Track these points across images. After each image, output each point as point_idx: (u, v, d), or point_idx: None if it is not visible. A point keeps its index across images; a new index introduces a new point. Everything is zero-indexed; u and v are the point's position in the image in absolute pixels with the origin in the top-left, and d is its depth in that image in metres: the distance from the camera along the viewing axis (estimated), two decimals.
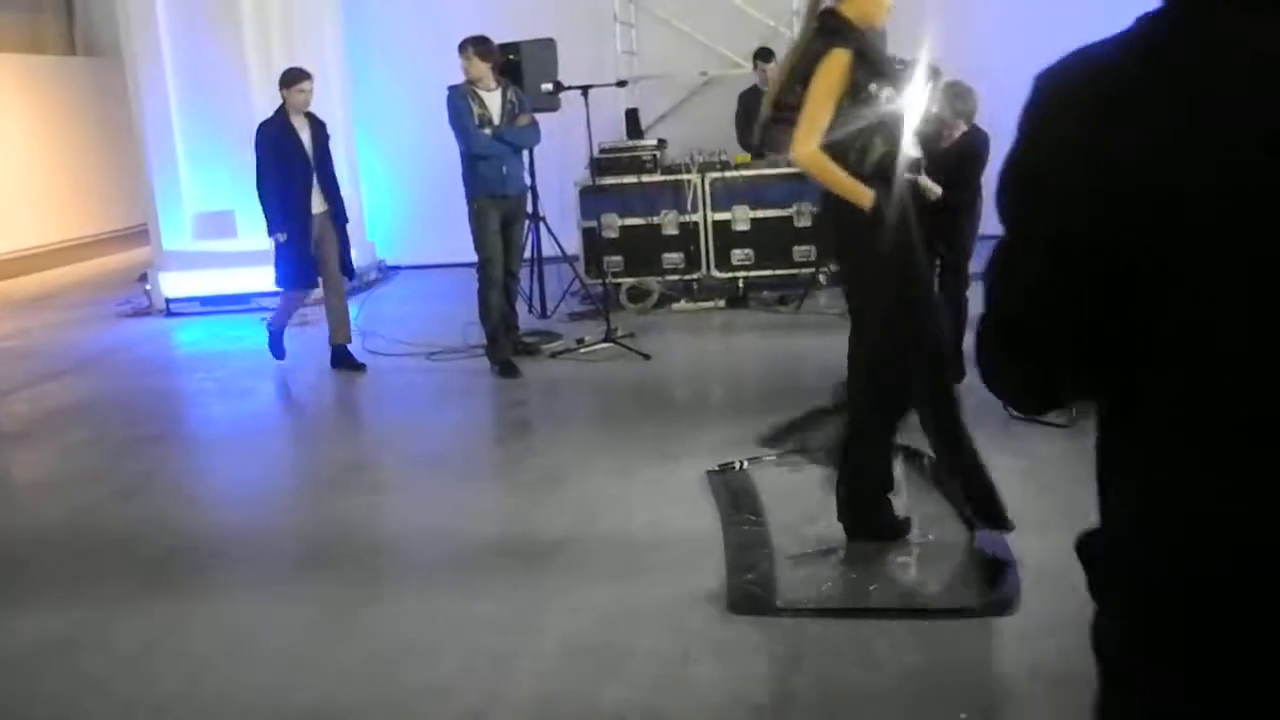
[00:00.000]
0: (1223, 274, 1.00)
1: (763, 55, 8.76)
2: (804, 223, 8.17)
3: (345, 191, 9.93)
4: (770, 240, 8.23)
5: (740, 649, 3.10)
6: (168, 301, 9.13)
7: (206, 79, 8.89)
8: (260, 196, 6.71)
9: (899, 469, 4.26)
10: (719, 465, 4.62)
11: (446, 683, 3.05)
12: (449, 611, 3.51)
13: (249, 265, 9.01)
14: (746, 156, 8.66)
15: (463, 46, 6.45)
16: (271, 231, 6.67)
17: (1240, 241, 0.98)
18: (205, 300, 9.06)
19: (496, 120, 6.46)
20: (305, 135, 6.66)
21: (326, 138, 6.84)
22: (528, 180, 7.11)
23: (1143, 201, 1.00)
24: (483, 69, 6.45)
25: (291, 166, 6.60)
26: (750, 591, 3.45)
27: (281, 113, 6.68)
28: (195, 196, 9.16)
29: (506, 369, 6.48)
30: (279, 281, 6.91)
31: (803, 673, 2.95)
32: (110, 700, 3.11)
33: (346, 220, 7.00)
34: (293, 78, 6.69)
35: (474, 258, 6.68)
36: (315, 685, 3.10)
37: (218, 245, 9.08)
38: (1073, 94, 1.05)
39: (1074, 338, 1.09)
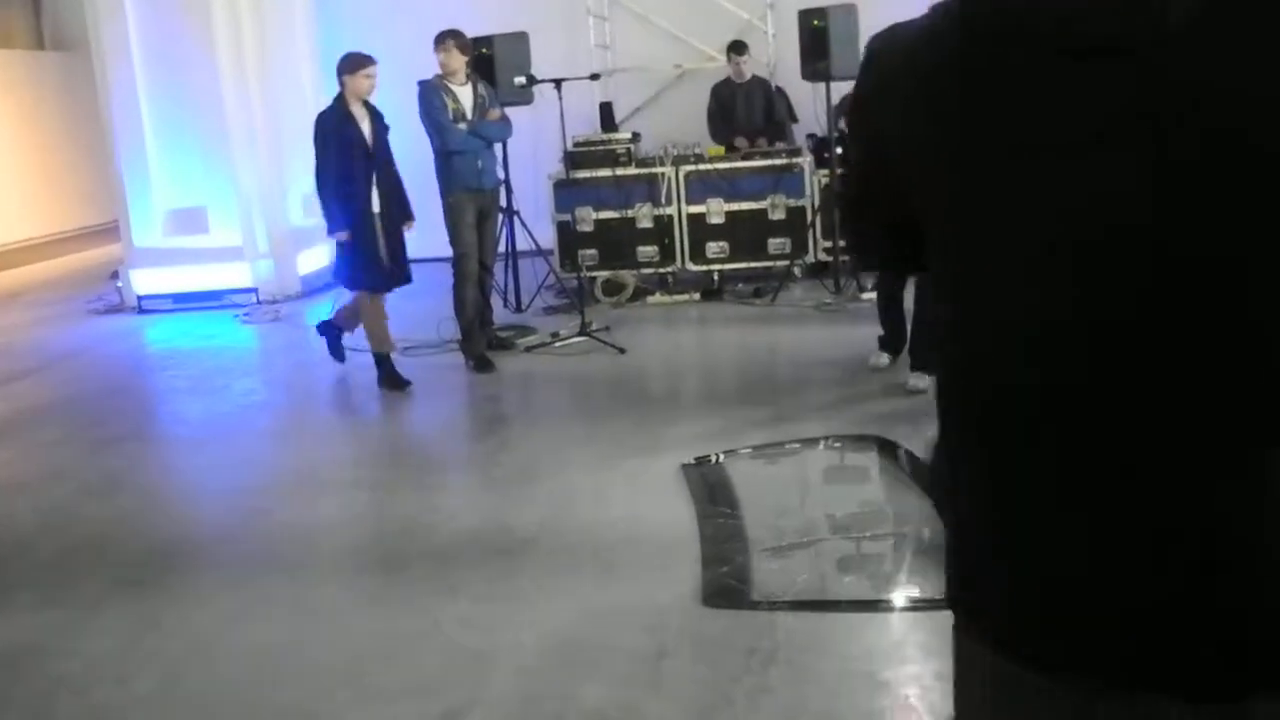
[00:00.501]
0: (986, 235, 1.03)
1: (736, 48, 8.77)
2: (778, 215, 8.19)
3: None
4: (745, 233, 8.25)
5: (716, 643, 3.11)
6: (139, 298, 9.05)
7: (176, 73, 8.81)
8: (319, 193, 6.17)
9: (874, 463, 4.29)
10: (695, 458, 4.64)
11: (426, 682, 3.05)
12: (426, 609, 3.51)
13: (220, 261, 8.97)
14: (720, 149, 8.67)
15: (442, 38, 6.42)
16: (331, 231, 6.10)
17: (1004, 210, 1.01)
18: (177, 297, 8.98)
19: (469, 115, 6.44)
20: (365, 126, 6.13)
21: (386, 129, 6.26)
22: (501, 174, 7.09)
23: (932, 157, 1.05)
24: (460, 62, 6.44)
25: (354, 160, 6.03)
26: (726, 585, 3.46)
27: (340, 101, 6.12)
28: (166, 192, 9.08)
29: (481, 364, 6.47)
30: (346, 284, 6.37)
31: (778, 666, 2.96)
32: (84, 702, 3.09)
33: (410, 219, 6.33)
34: (358, 62, 6.09)
35: (446, 252, 6.67)
36: (291, 686, 3.09)
37: (189, 241, 9.01)
38: (902, 53, 1.10)
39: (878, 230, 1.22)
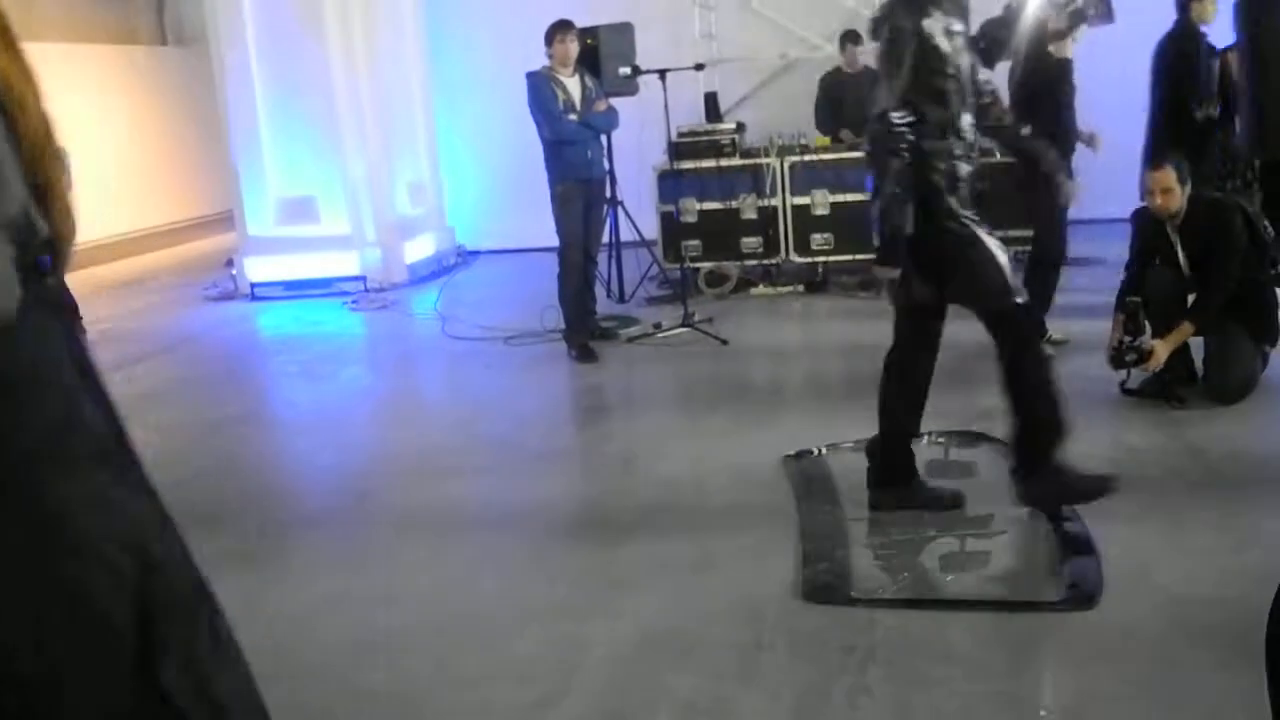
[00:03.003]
0: None
1: (851, 38, 8.65)
2: None
3: (423, 176, 10.10)
4: (850, 225, 8.09)
5: (814, 639, 3.06)
6: (252, 286, 9.31)
7: (289, 66, 9.02)
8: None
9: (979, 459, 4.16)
10: (796, 451, 4.57)
11: (521, 666, 3.06)
12: (525, 594, 3.52)
13: (330, 250, 9.17)
14: (826, 140, 8.55)
15: (563, 29, 6.44)
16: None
17: None
18: (288, 284, 9.21)
19: (578, 105, 6.46)
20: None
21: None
22: (606, 165, 7.10)
23: None
24: (574, 52, 6.46)
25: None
26: (825, 581, 3.40)
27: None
28: (278, 182, 9.31)
29: (584, 353, 6.49)
30: None
31: (877, 665, 2.89)
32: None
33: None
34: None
35: (550, 242, 6.70)
36: (385, 667, 3.13)
37: (300, 230, 9.22)
38: None
39: None
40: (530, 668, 3.05)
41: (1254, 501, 3.75)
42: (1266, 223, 4.96)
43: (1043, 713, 2.62)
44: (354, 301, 8.77)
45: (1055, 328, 5.74)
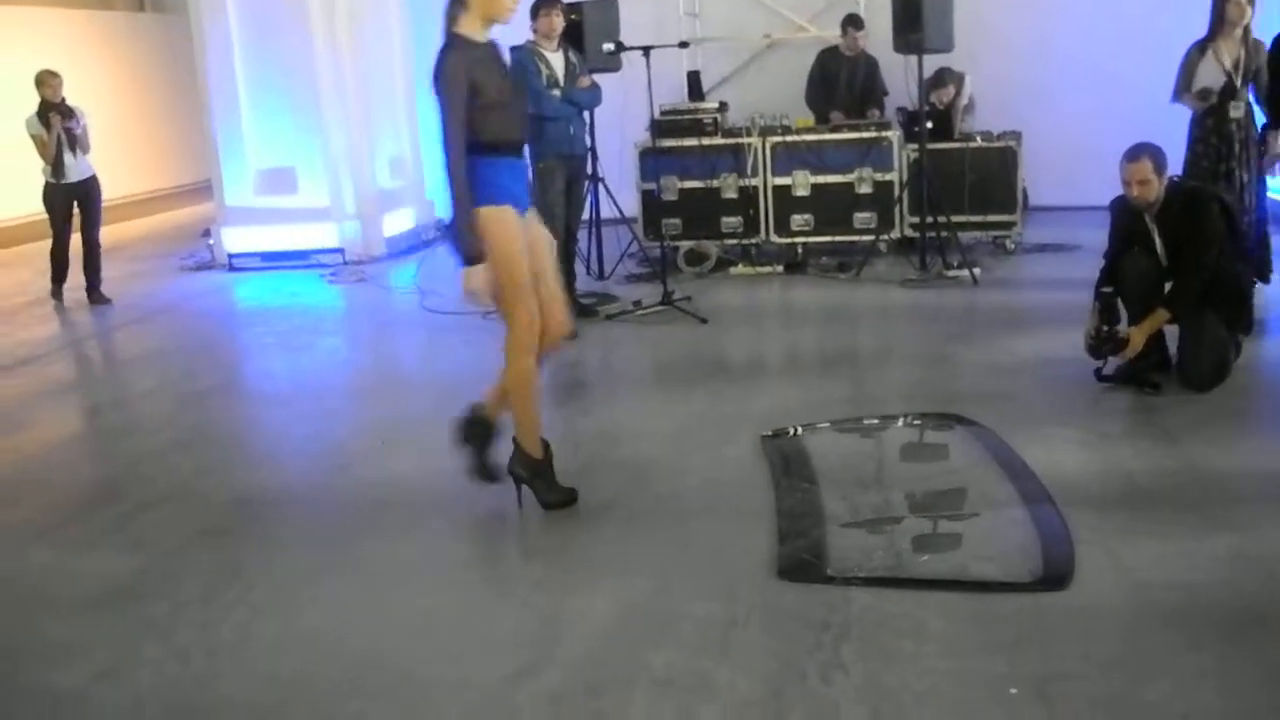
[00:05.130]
0: None
1: (854, 23, 8.74)
2: (865, 189, 8.08)
3: (403, 150, 10.04)
4: (830, 206, 8.15)
5: (790, 616, 3.09)
6: (230, 256, 9.25)
7: (270, 35, 8.95)
8: None
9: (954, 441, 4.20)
10: (773, 430, 4.60)
11: (498, 642, 3.08)
12: (500, 571, 3.55)
13: (308, 221, 9.12)
14: (809, 121, 8.57)
15: (550, 2, 6.40)
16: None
17: None
18: (266, 256, 9.17)
19: (562, 81, 6.43)
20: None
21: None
22: (589, 141, 7.08)
23: None
24: (559, 27, 6.43)
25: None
26: (801, 559, 3.43)
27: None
28: (257, 153, 9.25)
29: None
30: None
31: (851, 642, 2.93)
32: (169, 645, 3.18)
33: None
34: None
35: None
36: (366, 638, 3.14)
37: (279, 201, 9.17)
38: None
39: None
40: (509, 641, 3.07)
41: (1222, 487, 3.80)
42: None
43: (1013, 690, 2.66)
44: (332, 274, 8.74)
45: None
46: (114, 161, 12.55)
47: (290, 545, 3.87)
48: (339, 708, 2.81)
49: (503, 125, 3.70)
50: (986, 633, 2.93)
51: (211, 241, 9.48)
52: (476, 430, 3.96)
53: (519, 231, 3.73)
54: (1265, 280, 6.50)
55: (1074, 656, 2.80)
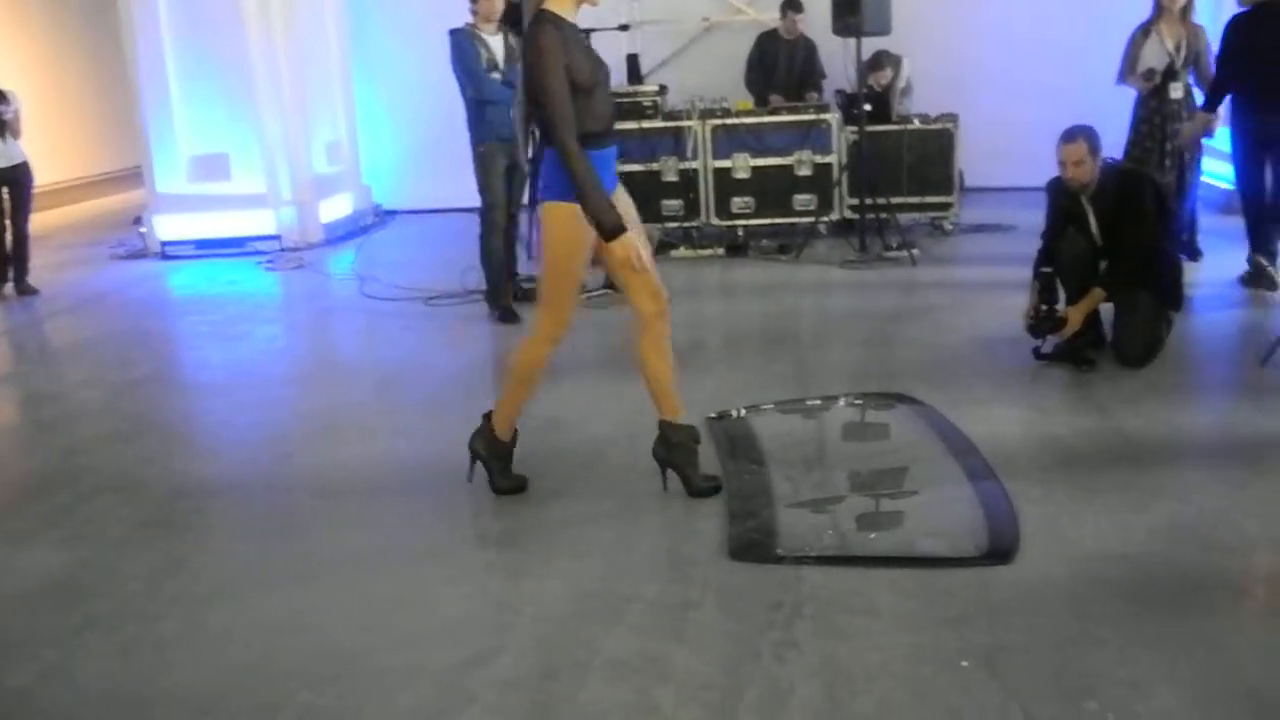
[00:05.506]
0: None
1: (794, 6, 8.77)
2: (805, 171, 8.13)
3: (340, 135, 9.90)
4: (771, 189, 8.19)
5: (742, 596, 3.11)
6: (163, 244, 9.06)
7: (201, 17, 8.75)
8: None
9: (895, 420, 4.26)
10: (717, 412, 4.62)
11: (452, 627, 3.06)
12: (451, 557, 3.52)
13: (243, 208, 8.96)
14: (748, 104, 8.60)
15: None
16: None
17: None
18: (200, 243, 8.99)
19: (501, 64, 6.38)
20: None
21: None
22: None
23: None
24: (500, 9, 6.37)
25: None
26: (751, 539, 3.46)
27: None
28: (190, 139, 9.05)
29: (506, 314, 6.47)
30: None
31: (804, 620, 2.96)
32: (113, 640, 3.12)
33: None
34: None
35: (469, 202, 6.63)
36: (315, 629, 3.11)
37: (212, 188, 9.00)
38: None
39: None
40: (461, 628, 3.06)
41: (1158, 459, 3.90)
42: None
43: (964, 663, 2.71)
44: (269, 261, 8.60)
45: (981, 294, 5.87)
46: (38, 149, 12.24)
47: (235, 536, 3.82)
48: (289, 698, 2.78)
49: (592, 113, 3.53)
50: (935, 607, 2.98)
51: (143, 229, 9.28)
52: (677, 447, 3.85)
53: (588, 238, 3.60)
54: (1194, 259, 6.67)
55: (1021, 628, 2.86)
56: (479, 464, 3.94)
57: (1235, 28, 6.04)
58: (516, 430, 3.94)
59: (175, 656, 3.02)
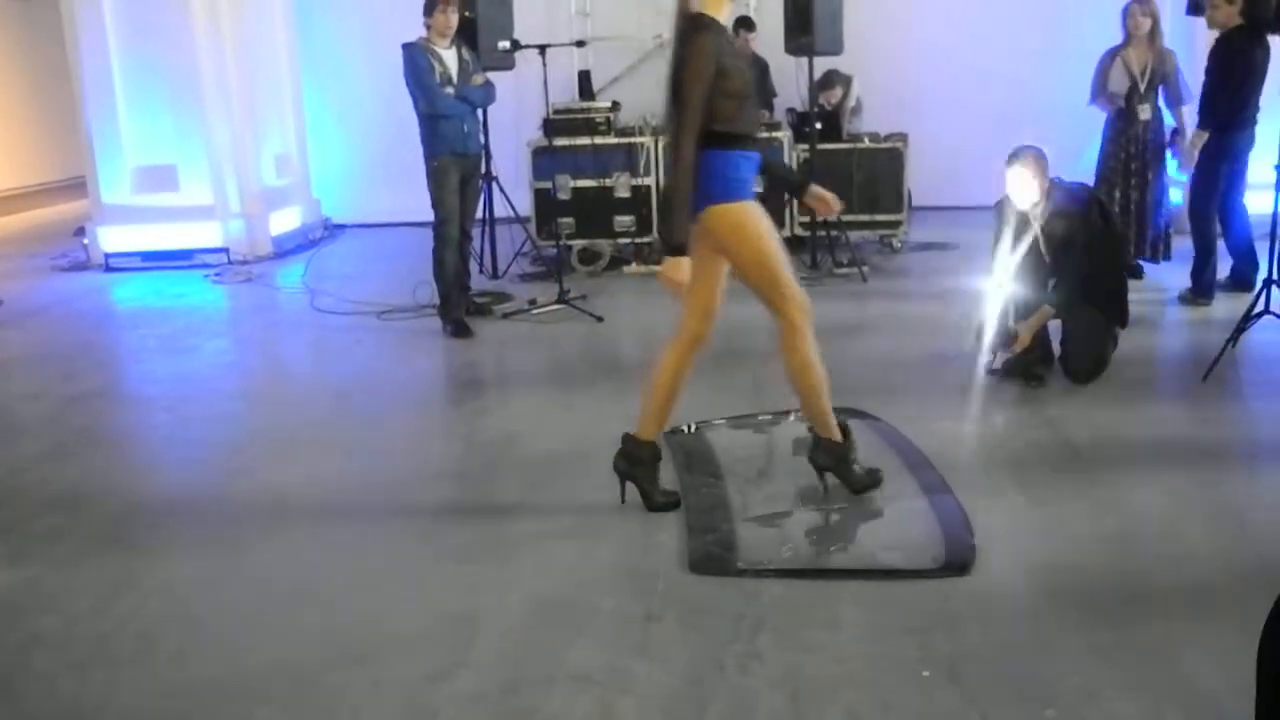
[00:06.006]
0: None
1: (746, 24, 8.83)
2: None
3: (289, 147, 9.82)
4: None
5: (704, 609, 3.12)
6: (106, 256, 8.90)
7: (148, 25, 8.63)
8: None
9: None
10: (670, 428, 4.63)
11: (412, 642, 3.04)
12: (409, 572, 3.49)
13: (191, 220, 8.84)
14: None
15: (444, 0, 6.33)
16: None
17: None
18: (146, 255, 8.84)
19: (455, 78, 6.38)
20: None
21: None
22: (483, 139, 7.04)
23: None
24: (454, 24, 6.37)
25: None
26: (712, 552, 3.47)
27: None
28: (136, 149, 8.91)
29: (459, 329, 6.44)
30: None
31: (766, 632, 2.98)
32: (63, 659, 3.06)
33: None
34: None
35: (423, 216, 6.61)
36: (272, 646, 3.07)
37: (159, 199, 8.86)
38: None
39: None
40: (421, 643, 3.03)
41: (1107, 472, 3.97)
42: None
43: (925, 673, 2.74)
44: (217, 274, 8.49)
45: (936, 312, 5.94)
46: None
47: (188, 553, 3.75)
48: (247, 716, 2.74)
49: (745, 117, 3.54)
50: (896, 619, 3.01)
51: (86, 240, 9.11)
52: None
53: (768, 224, 3.61)
54: (1137, 276, 6.82)
55: (980, 638, 2.90)
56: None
57: (1241, 48, 6.17)
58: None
59: (127, 676, 2.97)
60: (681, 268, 3.52)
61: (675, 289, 3.59)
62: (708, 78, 3.40)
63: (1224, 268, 6.64)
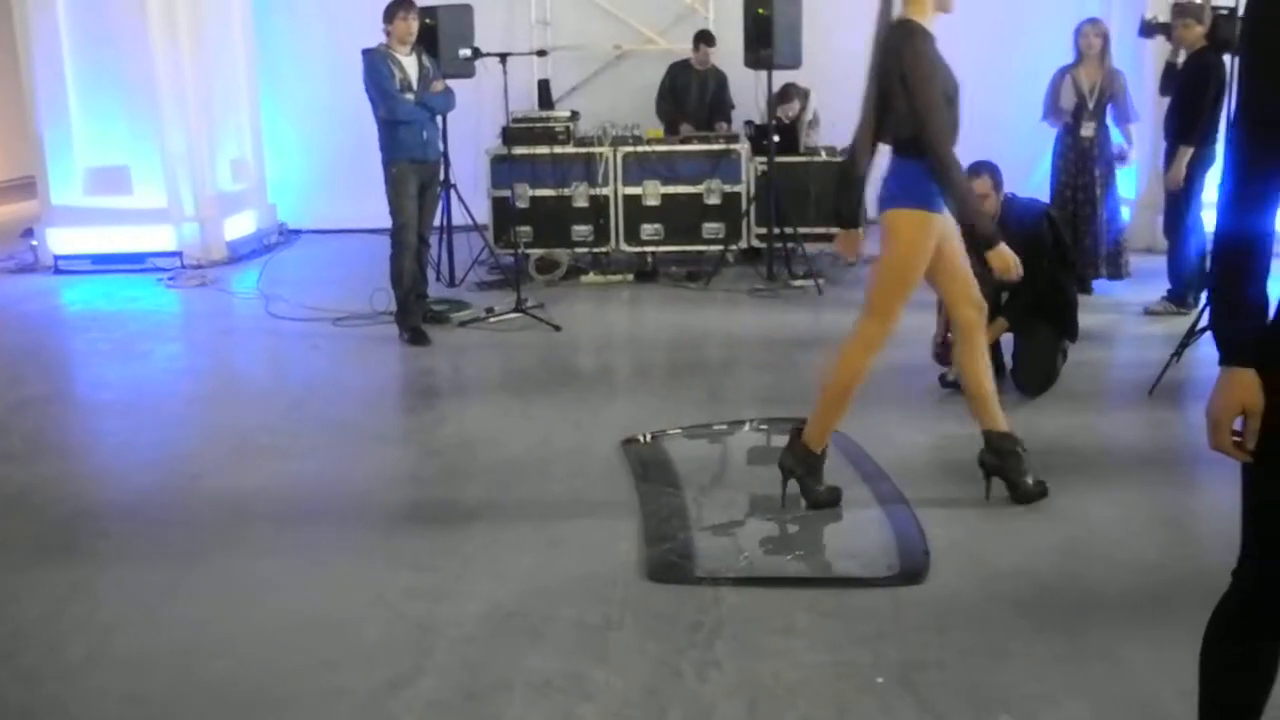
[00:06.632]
0: None
1: (706, 39, 8.93)
2: (714, 200, 8.25)
3: (245, 152, 9.75)
4: (680, 216, 8.29)
5: (662, 617, 3.15)
6: (56, 258, 8.77)
7: (103, 25, 8.53)
8: None
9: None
10: (626, 438, 4.66)
11: (369, 651, 3.03)
12: (367, 580, 3.48)
13: (144, 223, 8.74)
14: (659, 132, 8.70)
15: (406, 4, 6.33)
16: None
17: None
18: (96, 258, 8.73)
19: (415, 85, 6.38)
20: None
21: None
22: (442, 146, 7.04)
23: None
24: (414, 31, 6.37)
25: None
26: (669, 560, 3.50)
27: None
28: (88, 150, 8.79)
29: (416, 336, 6.43)
30: None
31: (724, 640, 3.00)
32: (13, 668, 3.02)
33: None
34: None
35: (379, 223, 6.60)
36: (229, 655, 3.04)
37: (111, 201, 8.75)
38: None
39: None
40: (380, 651, 3.03)
41: (1056, 482, 4.04)
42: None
43: (880, 680, 2.78)
44: (170, 278, 8.39)
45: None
46: None
47: (141, 561, 3.71)
48: None
49: (953, 123, 3.58)
50: (852, 626, 3.05)
51: (34, 242, 8.98)
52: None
53: (931, 247, 3.64)
54: (1086, 292, 6.95)
55: (933, 645, 2.95)
56: (791, 481, 3.86)
57: (1213, 65, 6.31)
58: (828, 443, 3.87)
59: (79, 685, 2.93)
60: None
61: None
62: (938, 80, 3.48)
63: (1163, 286, 6.78)
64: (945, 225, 3.69)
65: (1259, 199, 1.76)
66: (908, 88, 3.49)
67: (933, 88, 3.47)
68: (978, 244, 3.69)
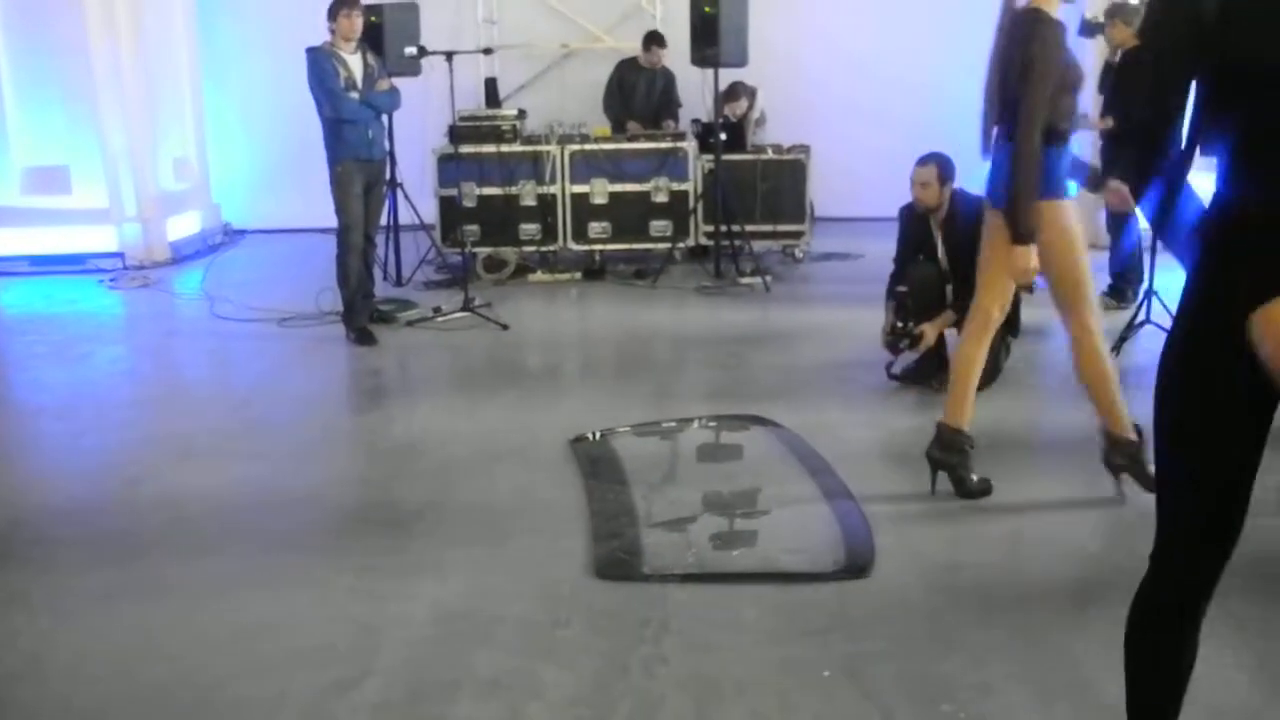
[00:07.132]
0: None
1: (657, 40, 8.94)
2: (661, 198, 8.26)
3: (188, 151, 9.61)
4: (628, 214, 8.29)
5: (610, 614, 3.15)
6: None
7: (40, 23, 8.37)
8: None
9: (749, 441, 4.37)
10: (575, 436, 4.65)
11: (314, 653, 3.00)
12: (312, 581, 3.45)
13: (84, 224, 8.59)
14: (606, 130, 8.70)
15: (351, 2, 6.26)
16: None
17: None
18: (35, 260, 8.56)
19: (360, 83, 6.32)
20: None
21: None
22: (387, 146, 6.99)
23: None
24: (359, 29, 6.32)
25: None
26: (617, 558, 3.50)
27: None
28: (25, 149, 8.61)
29: (363, 336, 6.38)
30: None
31: (671, 636, 3.01)
32: None
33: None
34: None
35: (325, 223, 6.54)
36: (171, 660, 3.00)
37: (49, 201, 8.59)
38: None
39: None
40: (326, 653, 3.00)
41: (1001, 475, 4.09)
42: None
43: (826, 673, 2.80)
44: (111, 279, 8.26)
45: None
46: None
47: (80, 567, 3.64)
48: None
49: (1072, 111, 3.61)
50: (798, 621, 3.08)
51: None
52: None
53: (1081, 229, 3.70)
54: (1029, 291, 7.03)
55: (878, 638, 2.97)
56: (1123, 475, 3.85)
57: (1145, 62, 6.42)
58: (1138, 425, 3.80)
59: (17, 695, 2.88)
60: (1029, 256, 3.62)
61: (1022, 277, 3.70)
62: (1055, 75, 3.50)
63: (1102, 280, 6.89)
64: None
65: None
66: (1028, 76, 3.52)
67: (1047, 84, 3.51)
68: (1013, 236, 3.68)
